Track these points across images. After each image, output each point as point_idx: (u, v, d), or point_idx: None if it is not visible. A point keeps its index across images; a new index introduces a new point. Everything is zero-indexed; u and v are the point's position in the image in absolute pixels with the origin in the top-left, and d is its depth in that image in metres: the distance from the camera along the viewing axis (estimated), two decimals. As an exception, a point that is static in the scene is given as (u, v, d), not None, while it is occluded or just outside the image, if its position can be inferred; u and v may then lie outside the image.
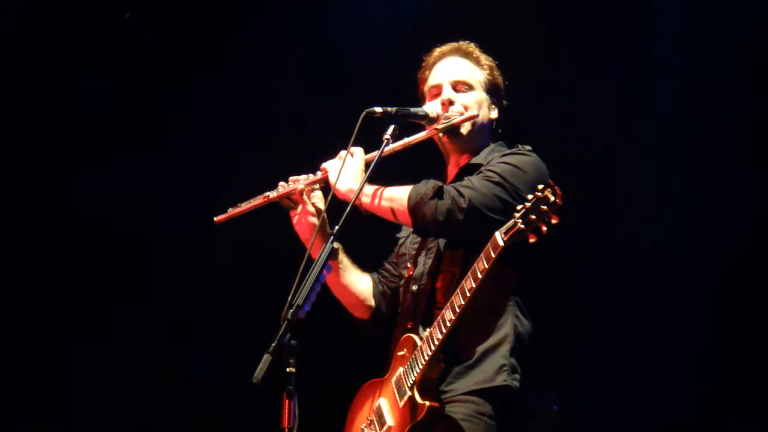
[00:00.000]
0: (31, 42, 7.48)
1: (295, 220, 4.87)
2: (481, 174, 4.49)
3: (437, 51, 4.87)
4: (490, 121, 4.78)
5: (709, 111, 6.50)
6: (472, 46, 4.83)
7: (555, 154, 4.76)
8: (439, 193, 4.38)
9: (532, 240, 4.08)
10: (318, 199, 4.86)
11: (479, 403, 4.35)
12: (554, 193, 4.04)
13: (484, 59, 4.81)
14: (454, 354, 4.41)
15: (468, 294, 4.22)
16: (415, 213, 4.43)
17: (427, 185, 4.44)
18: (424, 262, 4.68)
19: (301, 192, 4.82)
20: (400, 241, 4.95)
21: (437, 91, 4.75)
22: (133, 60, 7.50)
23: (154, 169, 7.44)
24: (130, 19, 7.40)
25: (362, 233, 4.47)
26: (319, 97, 7.16)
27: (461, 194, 4.35)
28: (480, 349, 4.42)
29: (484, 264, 4.17)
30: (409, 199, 4.44)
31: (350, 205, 4.29)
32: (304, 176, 4.84)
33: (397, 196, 4.49)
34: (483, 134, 4.75)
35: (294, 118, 7.24)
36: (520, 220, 4.07)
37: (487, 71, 4.78)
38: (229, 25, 7.53)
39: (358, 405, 4.69)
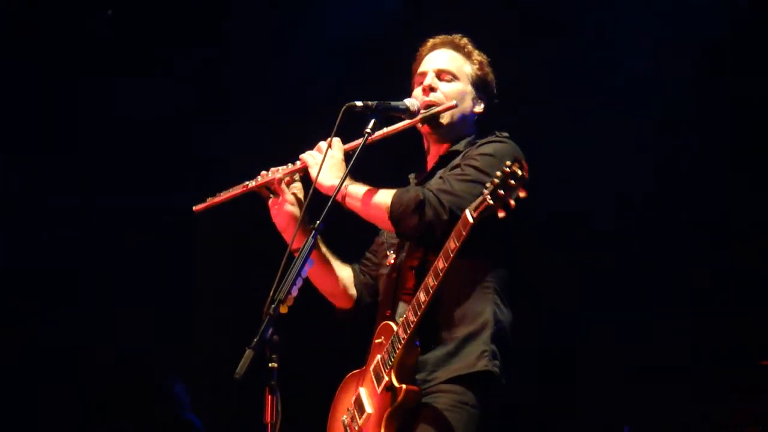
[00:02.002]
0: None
1: (273, 210, 4.88)
2: (459, 170, 4.52)
3: (430, 42, 4.90)
4: (473, 114, 4.80)
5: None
6: (465, 41, 4.85)
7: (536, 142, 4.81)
8: (420, 207, 4.42)
9: (501, 215, 4.12)
10: (297, 189, 4.88)
11: (461, 392, 4.39)
12: (521, 167, 4.08)
13: (477, 54, 4.83)
14: (436, 342, 4.46)
15: (440, 274, 4.27)
16: (397, 223, 4.49)
17: (409, 195, 4.47)
18: (403, 251, 4.71)
19: (280, 181, 4.81)
20: (380, 230, 4.95)
21: (422, 78, 4.78)
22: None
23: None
24: (112, 16, 7.40)
25: (342, 223, 4.49)
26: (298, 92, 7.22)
27: (441, 204, 4.40)
28: (460, 336, 4.46)
29: (455, 243, 4.22)
30: (392, 209, 4.48)
31: (330, 202, 4.32)
32: (283, 166, 4.84)
33: (380, 204, 4.52)
34: (464, 126, 4.78)
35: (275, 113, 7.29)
36: (489, 196, 4.12)
37: (477, 66, 4.80)
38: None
39: (340, 397, 4.72)
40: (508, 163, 4.09)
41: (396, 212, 4.46)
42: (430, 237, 4.40)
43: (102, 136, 7.79)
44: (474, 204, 4.16)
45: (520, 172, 4.06)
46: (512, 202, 4.09)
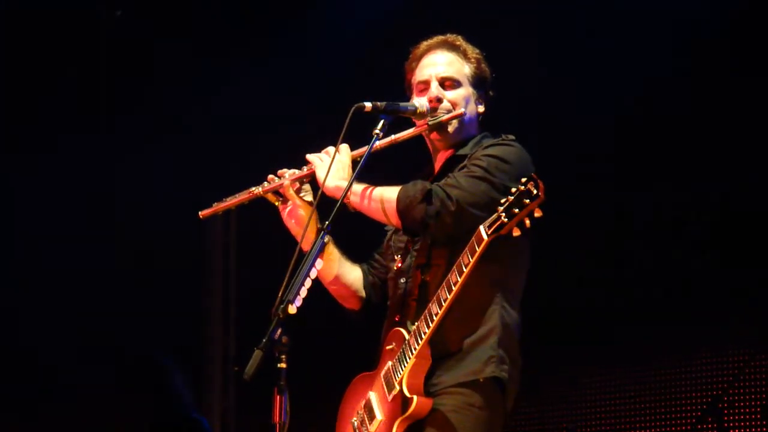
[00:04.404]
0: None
1: (284, 214, 4.88)
2: (466, 169, 4.52)
3: (424, 44, 4.85)
4: (477, 114, 4.79)
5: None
6: (459, 39, 4.82)
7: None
8: (427, 197, 4.42)
9: (516, 234, 4.15)
10: (306, 192, 4.86)
11: (468, 394, 4.41)
12: (537, 186, 4.09)
13: (471, 52, 4.81)
14: (443, 347, 4.46)
15: (453, 288, 4.28)
16: (404, 216, 4.47)
17: (416, 187, 4.47)
18: (411, 256, 4.71)
19: (288, 186, 4.81)
20: (388, 233, 4.97)
21: (424, 86, 4.76)
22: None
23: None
24: (122, 16, 7.45)
25: (351, 224, 4.52)
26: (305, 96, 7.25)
27: (449, 196, 4.40)
28: (468, 341, 4.47)
29: (468, 258, 4.24)
30: (398, 201, 4.48)
31: (339, 203, 4.35)
32: (290, 171, 4.83)
33: (386, 198, 4.53)
34: (470, 129, 4.77)
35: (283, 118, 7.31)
36: (504, 214, 4.13)
37: (474, 64, 4.79)
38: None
39: (349, 399, 4.72)
40: (524, 180, 4.11)
41: (403, 204, 4.46)
42: (438, 228, 4.40)
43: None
44: (489, 221, 4.17)
45: (535, 191, 4.08)
46: (527, 221, 4.12)
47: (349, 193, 4.49)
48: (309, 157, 4.75)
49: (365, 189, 4.57)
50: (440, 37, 4.84)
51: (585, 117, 6.93)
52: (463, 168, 4.57)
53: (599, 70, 6.92)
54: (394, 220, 4.52)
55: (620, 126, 6.95)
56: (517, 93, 6.18)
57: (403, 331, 4.50)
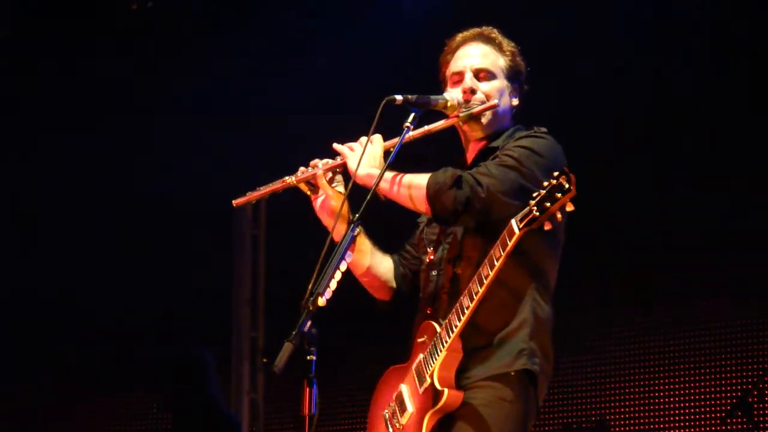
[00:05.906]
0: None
1: (316, 205, 4.87)
2: (498, 159, 4.51)
3: (459, 36, 4.84)
4: (511, 107, 4.77)
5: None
6: (495, 32, 4.81)
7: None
8: (457, 183, 4.40)
9: (547, 227, 4.14)
10: (339, 183, 4.85)
11: (499, 388, 4.39)
12: (569, 180, 4.07)
13: (507, 45, 4.79)
14: (474, 339, 4.45)
15: (485, 281, 4.27)
16: (434, 202, 4.45)
17: (446, 174, 4.46)
18: (443, 248, 4.70)
19: (320, 176, 4.80)
20: (421, 225, 4.95)
21: (459, 78, 4.74)
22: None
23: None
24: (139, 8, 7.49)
25: (383, 214, 4.49)
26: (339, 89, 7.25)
27: (479, 183, 4.38)
28: (499, 334, 4.46)
29: (500, 251, 4.22)
30: (428, 187, 4.46)
31: (371, 192, 4.34)
32: (323, 161, 4.83)
33: (416, 184, 4.51)
34: (503, 121, 4.75)
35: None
36: (536, 208, 4.12)
37: (509, 57, 4.77)
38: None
39: (381, 391, 4.72)
40: (556, 174, 4.10)
41: (432, 190, 4.44)
42: (468, 215, 4.39)
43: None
44: (520, 214, 4.16)
45: (566, 185, 4.07)
46: (559, 215, 4.11)
47: (380, 181, 4.47)
48: (340, 147, 4.73)
49: (395, 176, 4.56)
50: (475, 30, 4.82)
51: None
52: (495, 159, 4.55)
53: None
54: (424, 206, 4.50)
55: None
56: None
57: (435, 324, 4.49)
